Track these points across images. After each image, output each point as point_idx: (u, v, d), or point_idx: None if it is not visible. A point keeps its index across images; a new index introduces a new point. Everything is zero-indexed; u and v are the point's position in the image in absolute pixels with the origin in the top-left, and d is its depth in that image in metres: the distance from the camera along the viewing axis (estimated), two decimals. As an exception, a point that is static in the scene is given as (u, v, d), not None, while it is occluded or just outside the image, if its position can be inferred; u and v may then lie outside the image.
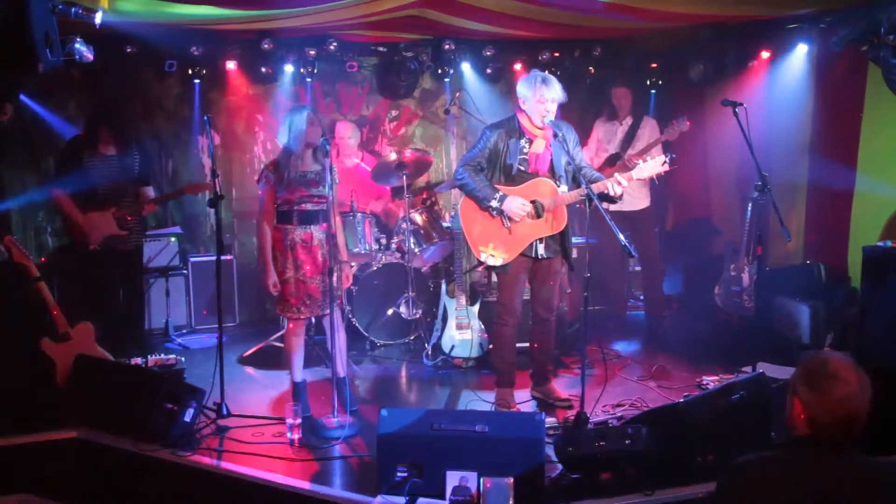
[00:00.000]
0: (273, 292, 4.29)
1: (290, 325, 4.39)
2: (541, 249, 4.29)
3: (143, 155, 5.22)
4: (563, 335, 5.54)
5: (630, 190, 5.77)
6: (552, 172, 4.25)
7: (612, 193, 4.05)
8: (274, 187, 4.21)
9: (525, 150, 4.22)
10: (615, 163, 5.86)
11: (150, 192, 5.22)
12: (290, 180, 4.18)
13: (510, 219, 4.19)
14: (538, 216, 4.21)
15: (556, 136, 4.13)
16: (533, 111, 4.14)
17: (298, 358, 4.41)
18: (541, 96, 4.10)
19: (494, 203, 4.13)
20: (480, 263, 4.35)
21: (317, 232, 4.24)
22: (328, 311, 4.25)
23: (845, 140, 5.52)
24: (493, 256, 4.23)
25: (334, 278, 4.19)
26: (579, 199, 4.18)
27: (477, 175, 4.21)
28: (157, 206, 5.18)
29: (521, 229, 4.22)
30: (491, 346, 4.94)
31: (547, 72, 6.80)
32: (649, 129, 5.98)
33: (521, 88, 4.19)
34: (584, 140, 6.28)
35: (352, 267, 4.44)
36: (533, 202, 4.20)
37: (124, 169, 5.05)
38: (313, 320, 5.00)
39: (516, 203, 4.13)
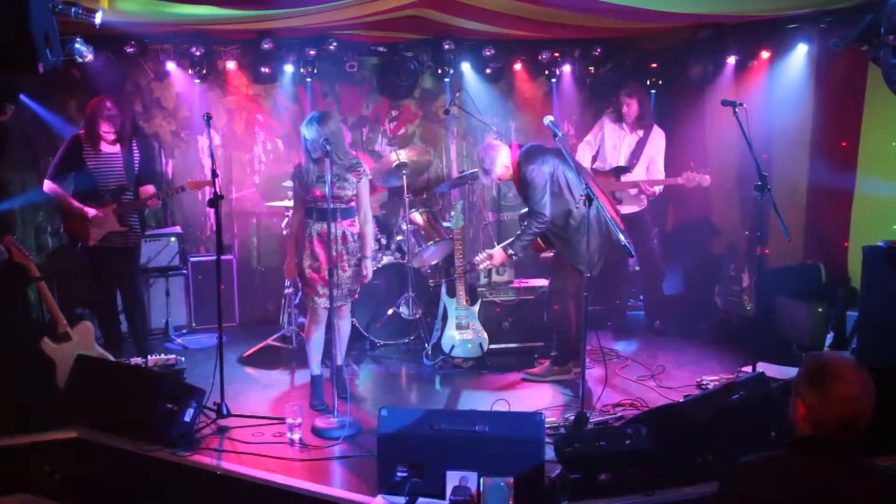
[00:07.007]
0: (286, 276, 4.84)
1: (309, 315, 4.51)
2: None
3: (143, 153, 5.27)
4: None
5: (631, 192, 5.81)
6: None
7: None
8: (298, 186, 4.50)
9: None
10: (620, 176, 5.84)
11: (151, 189, 5.24)
12: (309, 182, 4.40)
13: None
14: None
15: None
16: None
17: (313, 350, 4.53)
18: None
19: None
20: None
21: (333, 228, 4.34)
22: (342, 302, 4.48)
23: (845, 140, 5.51)
24: None
25: (341, 271, 4.36)
26: None
27: None
28: (158, 200, 5.23)
29: None
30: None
31: (547, 72, 6.89)
32: (657, 142, 5.90)
33: None
34: (586, 132, 6.29)
35: (374, 262, 4.79)
36: None
37: (125, 166, 5.11)
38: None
39: None
